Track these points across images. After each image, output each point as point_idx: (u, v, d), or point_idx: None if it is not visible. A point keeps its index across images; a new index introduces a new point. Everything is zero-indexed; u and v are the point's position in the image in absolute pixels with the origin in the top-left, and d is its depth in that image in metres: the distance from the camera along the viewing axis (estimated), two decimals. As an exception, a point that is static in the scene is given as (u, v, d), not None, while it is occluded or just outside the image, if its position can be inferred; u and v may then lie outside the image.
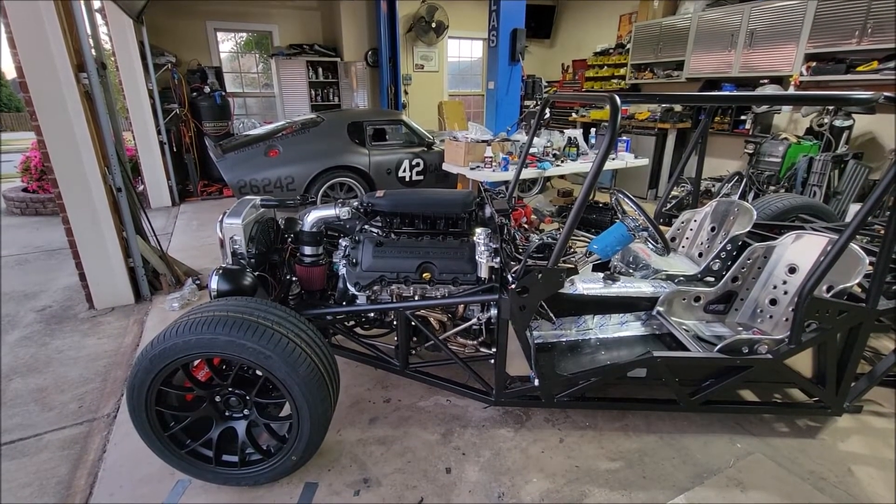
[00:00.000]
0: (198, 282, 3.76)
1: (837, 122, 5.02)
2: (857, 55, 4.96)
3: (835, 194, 4.97)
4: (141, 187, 6.29)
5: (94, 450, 2.15)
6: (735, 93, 5.47)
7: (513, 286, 1.93)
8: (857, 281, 2.03)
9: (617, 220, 2.27)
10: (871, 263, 2.00)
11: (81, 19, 3.03)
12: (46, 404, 2.46)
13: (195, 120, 6.95)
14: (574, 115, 8.32)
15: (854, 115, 5.02)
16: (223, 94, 7.22)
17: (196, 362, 1.83)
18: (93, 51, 3.17)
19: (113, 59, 5.57)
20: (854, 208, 4.82)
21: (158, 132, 6.13)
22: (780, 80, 5.71)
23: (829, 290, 2.07)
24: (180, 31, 7.41)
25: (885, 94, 1.70)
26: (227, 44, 8.26)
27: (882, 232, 2.13)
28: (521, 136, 5.60)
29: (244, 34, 8.41)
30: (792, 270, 2.30)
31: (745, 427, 2.28)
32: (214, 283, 1.96)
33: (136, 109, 5.79)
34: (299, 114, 7.10)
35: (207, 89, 7.02)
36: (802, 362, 2.14)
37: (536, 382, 2.07)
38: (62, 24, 2.86)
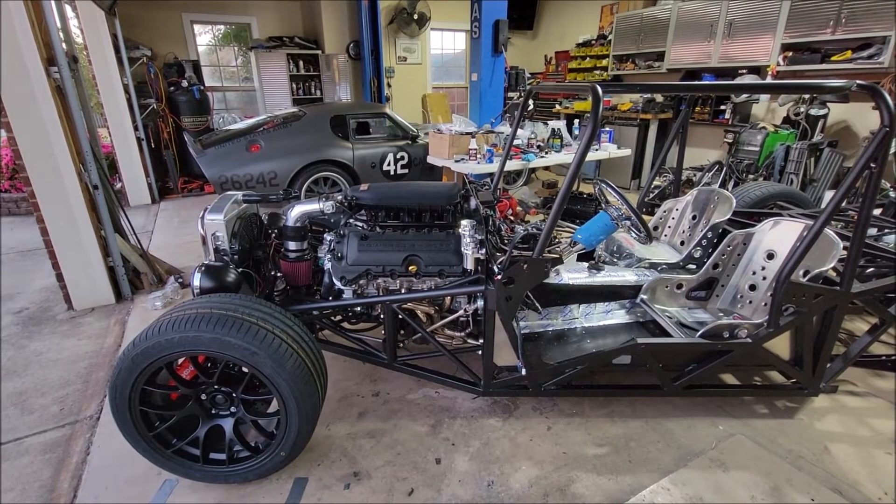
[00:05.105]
0: (180, 280, 3.70)
1: (813, 111, 5.14)
2: (832, 45, 5.07)
3: (811, 181, 5.09)
4: (119, 185, 6.13)
5: (77, 452, 2.11)
6: (714, 82, 5.55)
7: (499, 277, 1.94)
8: (831, 265, 2.09)
9: (601, 210, 2.29)
10: (845, 248, 2.06)
11: (50, 11, 2.92)
12: (26, 408, 2.41)
13: (173, 115, 6.79)
14: (558, 106, 8.35)
15: (829, 104, 5.13)
16: (202, 88, 7.07)
17: (180, 360, 1.81)
18: (63, 44, 3.07)
19: (85, 52, 5.40)
20: (829, 195, 4.94)
21: (135, 128, 5.97)
22: (758, 70, 5.81)
23: (805, 274, 2.13)
24: (155, 23, 7.20)
25: (858, 81, 1.74)
26: (204, 36, 8.06)
27: (855, 217, 2.19)
28: (505, 128, 5.60)
29: (222, 26, 8.22)
30: (770, 256, 2.36)
31: (727, 409, 2.34)
32: (197, 281, 1.94)
33: (110, 105, 5.62)
34: (280, 108, 6.98)
35: (185, 83, 6.86)
36: (781, 345, 2.20)
37: (524, 372, 2.09)
38: (30, 16, 2.76)
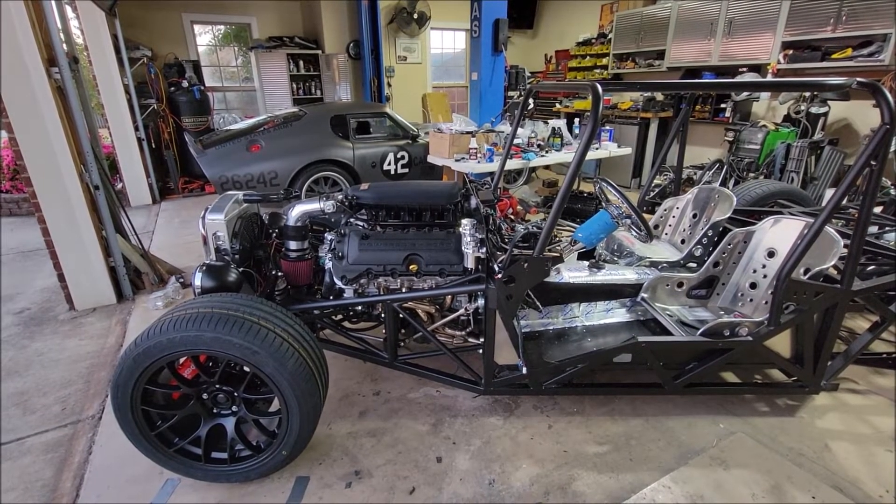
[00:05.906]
0: (181, 280, 3.71)
1: (813, 109, 5.13)
2: (832, 43, 5.06)
3: (811, 179, 5.09)
4: (119, 185, 6.14)
5: (79, 452, 2.12)
6: (714, 80, 5.55)
7: (499, 276, 1.94)
8: (832, 263, 2.09)
9: (601, 209, 2.29)
10: (845, 246, 2.06)
11: (51, 11, 2.93)
12: (28, 408, 2.41)
13: (174, 115, 6.79)
14: (558, 105, 8.34)
15: (829, 102, 5.12)
16: (202, 88, 7.06)
17: (182, 360, 1.81)
18: (64, 44, 3.08)
19: (85, 53, 5.41)
20: (830, 193, 4.94)
21: (136, 128, 5.98)
22: (759, 68, 5.80)
23: (805, 272, 2.13)
24: (156, 23, 7.21)
25: (858, 79, 1.74)
26: (204, 37, 8.06)
27: (856, 215, 2.19)
28: (506, 127, 5.60)
29: (222, 27, 8.22)
30: (771, 254, 2.36)
31: (728, 408, 2.34)
32: (198, 280, 1.94)
33: (111, 105, 5.63)
34: (281, 108, 6.99)
35: (185, 84, 6.86)
36: (781, 343, 2.20)
37: (524, 370, 2.10)
38: (30, 16, 2.76)
